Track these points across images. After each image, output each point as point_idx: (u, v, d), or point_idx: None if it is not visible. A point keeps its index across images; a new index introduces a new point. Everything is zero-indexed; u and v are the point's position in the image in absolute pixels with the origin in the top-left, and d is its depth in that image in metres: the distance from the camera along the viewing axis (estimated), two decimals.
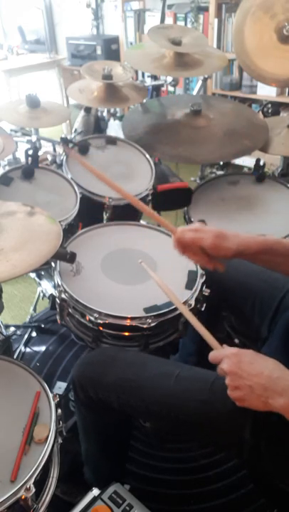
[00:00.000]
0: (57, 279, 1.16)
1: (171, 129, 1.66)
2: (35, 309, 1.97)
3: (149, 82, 2.04)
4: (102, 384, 0.97)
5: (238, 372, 0.74)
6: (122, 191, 1.07)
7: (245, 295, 1.14)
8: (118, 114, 2.30)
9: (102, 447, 1.12)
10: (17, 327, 1.88)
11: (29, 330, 1.88)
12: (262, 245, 0.92)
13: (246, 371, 0.74)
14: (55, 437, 0.87)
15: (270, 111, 2.03)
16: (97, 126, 1.96)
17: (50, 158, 1.64)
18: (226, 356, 0.77)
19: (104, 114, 2.04)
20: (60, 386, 1.60)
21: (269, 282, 1.13)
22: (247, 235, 0.94)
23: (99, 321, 1.04)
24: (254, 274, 1.16)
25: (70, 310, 1.14)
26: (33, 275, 1.66)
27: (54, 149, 1.83)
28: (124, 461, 1.23)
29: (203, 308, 1.15)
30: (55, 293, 1.17)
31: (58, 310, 1.17)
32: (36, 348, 1.84)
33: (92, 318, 1.05)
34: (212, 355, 0.79)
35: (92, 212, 1.47)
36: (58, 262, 1.19)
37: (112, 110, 2.07)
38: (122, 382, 0.96)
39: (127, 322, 1.05)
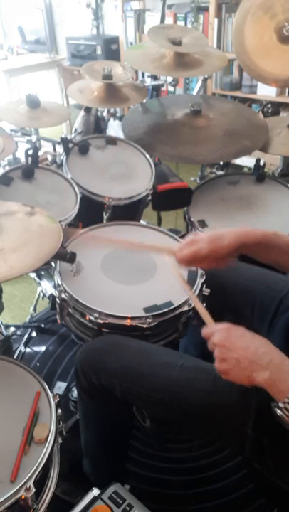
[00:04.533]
0: (57, 279, 1.16)
1: (171, 129, 1.66)
2: (35, 309, 1.97)
3: (149, 82, 2.04)
4: (105, 370, 0.97)
5: (226, 345, 0.78)
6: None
7: (245, 298, 1.14)
8: (118, 114, 2.30)
9: (103, 438, 1.12)
10: (17, 327, 1.88)
11: (29, 330, 1.88)
12: (261, 237, 0.93)
13: (234, 344, 0.78)
14: (55, 437, 0.87)
15: (270, 111, 2.03)
16: (97, 126, 1.96)
17: (50, 158, 1.64)
18: (217, 330, 0.81)
19: (104, 114, 2.04)
20: (60, 386, 1.60)
21: (268, 286, 1.13)
22: (243, 228, 0.95)
23: (99, 321, 1.04)
24: (253, 277, 1.16)
25: (70, 310, 1.14)
26: (33, 275, 1.66)
27: (54, 149, 1.83)
28: (124, 457, 1.23)
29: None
30: (55, 293, 1.16)
31: (58, 310, 1.17)
32: (36, 348, 1.84)
33: (92, 318, 1.05)
34: (205, 330, 0.83)
35: (92, 212, 1.47)
36: (58, 262, 1.19)
37: (112, 110, 2.07)
38: (125, 369, 0.96)
39: (127, 322, 1.05)
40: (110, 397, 0.97)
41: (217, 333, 0.80)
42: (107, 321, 1.04)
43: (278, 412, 0.73)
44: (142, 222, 1.64)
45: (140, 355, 0.98)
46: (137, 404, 1.09)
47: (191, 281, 1.17)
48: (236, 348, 0.77)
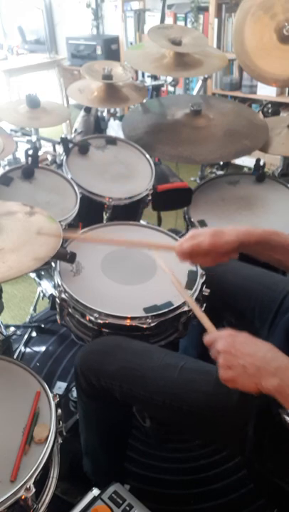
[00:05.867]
0: (57, 279, 1.16)
1: (171, 129, 1.66)
2: (35, 309, 1.97)
3: (149, 82, 2.04)
4: (105, 372, 0.96)
5: (231, 351, 0.74)
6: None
7: (246, 299, 1.14)
8: (118, 114, 2.30)
9: (102, 439, 1.12)
10: (17, 327, 1.88)
11: (29, 330, 1.88)
12: (261, 236, 0.93)
13: (240, 350, 0.74)
14: (55, 437, 0.87)
15: (270, 111, 2.03)
16: (97, 126, 1.96)
17: (50, 158, 1.64)
18: (220, 337, 0.78)
19: (105, 114, 2.04)
20: (60, 386, 1.60)
21: (269, 286, 1.13)
22: (245, 226, 0.95)
23: (99, 321, 1.04)
24: (254, 278, 1.16)
25: (70, 310, 1.14)
26: (33, 275, 1.66)
27: (54, 149, 1.83)
28: (123, 456, 1.23)
29: (203, 308, 1.15)
30: (55, 293, 1.17)
31: (58, 310, 1.17)
32: (36, 348, 1.84)
33: (92, 318, 1.05)
34: (207, 337, 0.80)
35: (92, 212, 1.47)
36: (58, 262, 1.19)
37: (112, 110, 2.06)
38: (125, 371, 0.95)
39: (127, 322, 1.05)
40: (110, 399, 0.97)
41: (221, 339, 0.77)
42: (107, 321, 1.04)
43: (288, 419, 0.72)
44: (142, 222, 1.63)
45: (140, 356, 0.98)
46: (137, 406, 1.09)
47: (191, 281, 1.17)
48: (243, 354, 0.73)
